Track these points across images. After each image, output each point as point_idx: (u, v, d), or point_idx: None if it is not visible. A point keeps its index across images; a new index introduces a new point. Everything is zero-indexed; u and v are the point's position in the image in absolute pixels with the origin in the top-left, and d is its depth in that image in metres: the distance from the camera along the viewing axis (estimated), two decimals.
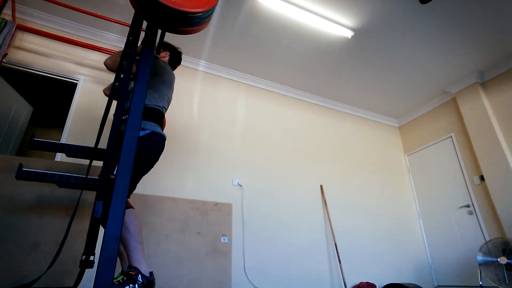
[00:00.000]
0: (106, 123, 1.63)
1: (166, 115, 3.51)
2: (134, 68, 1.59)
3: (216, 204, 3.09)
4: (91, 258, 1.24)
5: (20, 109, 3.41)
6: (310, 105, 4.58)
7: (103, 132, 1.58)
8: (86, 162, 2.29)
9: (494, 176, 3.72)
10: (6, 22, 2.64)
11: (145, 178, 3.04)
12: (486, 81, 4.09)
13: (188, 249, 2.73)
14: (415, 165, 4.90)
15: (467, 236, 3.92)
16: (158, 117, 1.69)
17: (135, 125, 1.18)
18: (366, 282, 3.53)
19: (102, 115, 1.64)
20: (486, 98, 4.02)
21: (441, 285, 4.11)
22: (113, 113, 1.47)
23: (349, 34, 3.38)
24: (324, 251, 3.61)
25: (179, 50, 2.08)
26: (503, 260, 3.01)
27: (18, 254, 1.97)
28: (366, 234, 4.01)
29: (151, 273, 1.36)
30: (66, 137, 2.89)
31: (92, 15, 2.92)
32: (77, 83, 3.16)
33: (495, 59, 3.83)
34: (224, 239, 2.97)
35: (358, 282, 3.56)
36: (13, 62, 2.89)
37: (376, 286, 3.50)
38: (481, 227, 3.80)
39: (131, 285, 1.24)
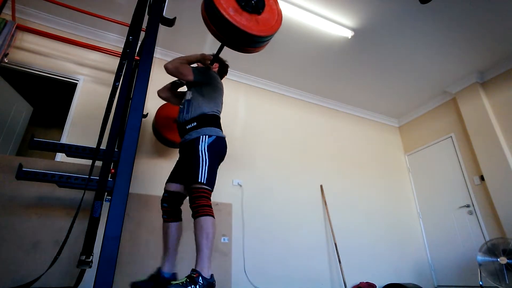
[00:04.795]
0: (107, 123, 1.63)
1: None
2: (188, 76, 1.84)
3: (216, 204, 3.08)
4: (90, 258, 1.25)
5: (20, 109, 3.40)
6: (310, 105, 4.58)
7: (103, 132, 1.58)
8: (86, 162, 2.29)
9: (494, 176, 3.72)
10: (6, 22, 2.64)
11: (145, 178, 3.05)
12: (486, 81, 4.09)
13: (188, 249, 2.73)
14: (415, 165, 4.90)
15: (467, 236, 3.92)
16: (218, 121, 1.88)
17: (135, 126, 1.18)
18: (366, 282, 3.53)
19: (103, 115, 1.65)
20: (486, 98, 4.02)
21: (441, 285, 4.11)
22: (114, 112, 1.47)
23: (349, 34, 3.38)
24: (324, 251, 3.61)
25: (226, 63, 2.19)
26: (503, 260, 3.01)
27: (18, 254, 1.97)
28: (366, 234, 4.01)
29: (211, 275, 1.50)
30: (66, 137, 2.89)
31: (92, 15, 2.92)
32: (77, 83, 3.16)
33: (495, 59, 3.83)
34: (224, 239, 2.97)
35: (358, 282, 3.56)
36: (13, 62, 2.89)
37: (376, 286, 3.50)
38: (481, 227, 3.80)
39: (192, 286, 1.38)
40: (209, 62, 2.01)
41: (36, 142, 1.57)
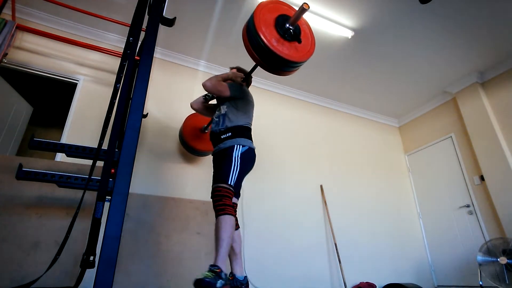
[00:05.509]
0: (108, 124, 1.63)
1: (167, 115, 3.53)
2: (225, 92, 2.00)
3: None
4: (91, 258, 1.25)
5: (20, 109, 3.40)
6: (310, 105, 4.58)
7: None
8: (86, 162, 2.29)
9: (494, 176, 3.72)
10: (6, 22, 2.64)
11: (145, 178, 3.05)
12: (486, 81, 4.09)
13: (188, 249, 2.73)
14: (415, 165, 4.90)
15: (467, 236, 3.92)
16: (250, 133, 2.04)
17: (135, 126, 1.18)
18: (366, 282, 3.53)
19: (105, 116, 1.64)
20: (486, 98, 4.02)
21: (441, 285, 4.11)
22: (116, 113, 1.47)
23: (349, 34, 3.38)
24: (324, 251, 3.61)
25: (250, 74, 2.36)
26: (503, 260, 3.01)
27: (18, 254, 1.97)
28: (366, 234, 4.01)
29: (227, 274, 1.58)
30: (66, 137, 2.89)
31: (92, 15, 2.92)
32: (77, 83, 3.16)
33: (495, 59, 3.83)
34: None
35: (358, 282, 3.56)
36: (13, 62, 2.89)
37: (376, 286, 3.50)
38: (481, 227, 3.80)
39: (220, 280, 1.46)
40: (240, 79, 2.23)
41: (36, 142, 1.57)
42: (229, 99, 2.04)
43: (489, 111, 3.92)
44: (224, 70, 4.02)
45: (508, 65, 3.85)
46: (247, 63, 4.11)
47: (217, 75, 2.13)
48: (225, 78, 2.15)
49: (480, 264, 3.18)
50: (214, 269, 1.50)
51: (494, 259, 3.08)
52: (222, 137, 1.93)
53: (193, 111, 3.05)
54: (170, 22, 1.60)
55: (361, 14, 3.17)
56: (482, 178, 3.88)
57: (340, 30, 3.32)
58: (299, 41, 1.71)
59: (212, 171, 2.08)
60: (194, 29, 3.39)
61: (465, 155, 4.17)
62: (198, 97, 2.42)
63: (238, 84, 2.17)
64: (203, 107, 2.38)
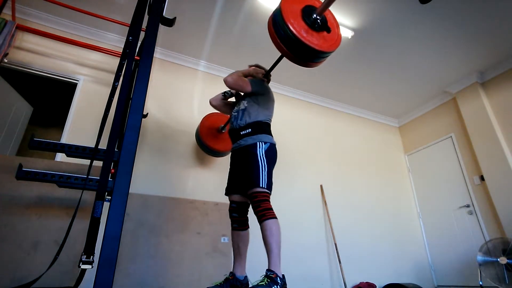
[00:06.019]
0: (106, 123, 1.63)
1: (167, 115, 3.54)
2: (247, 88, 1.98)
3: (216, 204, 3.08)
4: (91, 257, 1.24)
5: (20, 109, 3.40)
6: (310, 105, 4.58)
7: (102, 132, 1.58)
8: (86, 162, 2.29)
9: (494, 176, 3.72)
10: (6, 22, 2.64)
11: (146, 178, 3.05)
12: (486, 81, 4.09)
13: (188, 249, 2.73)
14: (415, 165, 4.90)
15: (467, 236, 3.92)
16: (270, 129, 2.03)
17: (135, 126, 1.18)
18: (366, 282, 3.53)
19: (102, 115, 1.65)
20: (486, 98, 4.02)
21: (441, 285, 4.11)
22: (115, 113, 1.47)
23: (349, 34, 3.38)
24: (324, 251, 3.61)
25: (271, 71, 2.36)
26: (503, 260, 3.01)
27: (18, 254, 1.97)
28: (366, 234, 4.01)
29: (283, 275, 1.57)
30: (66, 137, 2.89)
31: (92, 15, 2.92)
32: (77, 83, 3.16)
33: (495, 59, 3.83)
34: (224, 239, 2.97)
35: (358, 282, 3.56)
36: (13, 62, 2.89)
37: (376, 286, 3.50)
38: (481, 227, 3.80)
39: (275, 286, 1.46)
40: (261, 75, 2.22)
41: (36, 142, 1.57)
42: (250, 94, 2.02)
43: (489, 111, 3.92)
44: (225, 70, 4.02)
45: (508, 65, 3.85)
46: (247, 62, 4.10)
47: (238, 71, 2.10)
48: (246, 74, 2.13)
49: (480, 264, 3.17)
50: (270, 275, 1.51)
51: (494, 259, 3.08)
52: (241, 133, 1.90)
53: (211, 111, 3.03)
54: (170, 22, 1.60)
55: (361, 14, 3.17)
56: (482, 178, 3.87)
57: (340, 30, 3.31)
58: (328, 31, 1.67)
59: (228, 170, 2.06)
60: (194, 29, 3.39)
61: (465, 155, 4.17)
62: (217, 94, 2.39)
63: (259, 80, 2.15)
64: (222, 103, 2.35)
